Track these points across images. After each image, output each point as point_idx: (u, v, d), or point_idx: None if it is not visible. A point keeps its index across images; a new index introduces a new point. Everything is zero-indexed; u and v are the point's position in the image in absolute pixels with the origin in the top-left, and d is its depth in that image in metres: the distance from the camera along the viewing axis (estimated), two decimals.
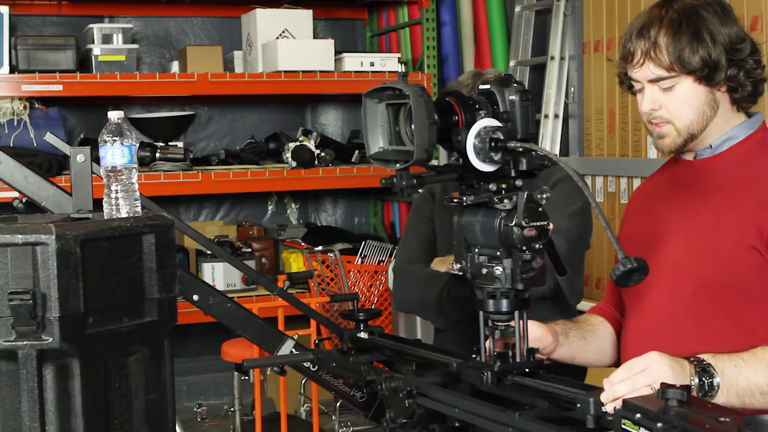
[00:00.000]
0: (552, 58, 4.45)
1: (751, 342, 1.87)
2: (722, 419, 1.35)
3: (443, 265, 2.68)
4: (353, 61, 4.89)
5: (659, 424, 1.37)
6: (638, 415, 1.41)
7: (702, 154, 2.03)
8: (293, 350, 2.29)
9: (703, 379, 1.73)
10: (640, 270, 1.57)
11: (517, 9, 4.75)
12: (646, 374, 1.65)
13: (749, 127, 2.01)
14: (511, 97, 1.73)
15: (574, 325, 2.16)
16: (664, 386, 1.43)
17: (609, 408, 1.55)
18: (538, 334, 1.99)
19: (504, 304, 1.73)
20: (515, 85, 1.75)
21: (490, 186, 1.71)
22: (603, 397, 1.57)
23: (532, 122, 1.75)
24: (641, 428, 1.40)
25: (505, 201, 1.70)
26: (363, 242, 4.74)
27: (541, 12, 4.69)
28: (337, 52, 4.87)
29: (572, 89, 4.45)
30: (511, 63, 4.76)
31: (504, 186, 1.71)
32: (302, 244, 5.10)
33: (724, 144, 2.01)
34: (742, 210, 1.93)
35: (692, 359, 1.75)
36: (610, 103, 4.21)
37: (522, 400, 1.70)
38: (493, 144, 1.66)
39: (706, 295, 1.95)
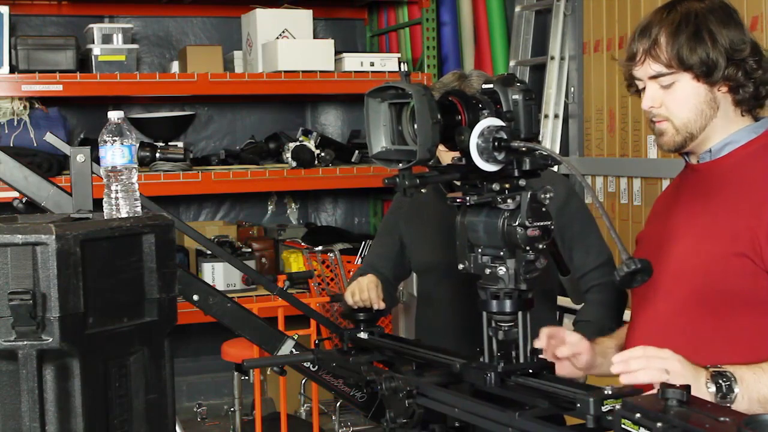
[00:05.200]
0: (552, 58, 4.45)
1: (738, 349, 1.87)
2: (722, 419, 1.35)
3: None
4: (353, 61, 4.89)
5: (659, 424, 1.37)
6: (638, 415, 1.41)
7: (703, 157, 2.03)
8: (293, 350, 2.29)
9: (720, 382, 1.70)
10: (644, 271, 1.56)
11: (517, 9, 4.74)
12: (660, 359, 1.66)
13: (753, 132, 1.99)
14: (514, 97, 1.72)
15: (614, 342, 2.16)
16: (664, 386, 1.42)
17: (618, 371, 1.61)
18: (574, 339, 2.00)
19: (507, 305, 1.72)
20: (518, 84, 1.73)
21: (494, 186, 1.69)
22: (614, 368, 1.63)
23: (535, 122, 1.73)
24: (641, 428, 1.40)
25: (509, 201, 1.68)
26: (363, 242, 4.74)
27: (541, 12, 4.68)
28: (337, 52, 4.86)
29: (572, 89, 4.44)
30: (511, 63, 4.75)
31: (507, 186, 1.69)
32: (302, 244, 5.10)
33: (724, 148, 1.99)
34: (737, 216, 1.92)
35: (708, 366, 1.73)
36: (610, 103, 4.21)
37: (522, 400, 1.70)
38: (496, 144, 1.65)
39: (697, 299, 1.95)
